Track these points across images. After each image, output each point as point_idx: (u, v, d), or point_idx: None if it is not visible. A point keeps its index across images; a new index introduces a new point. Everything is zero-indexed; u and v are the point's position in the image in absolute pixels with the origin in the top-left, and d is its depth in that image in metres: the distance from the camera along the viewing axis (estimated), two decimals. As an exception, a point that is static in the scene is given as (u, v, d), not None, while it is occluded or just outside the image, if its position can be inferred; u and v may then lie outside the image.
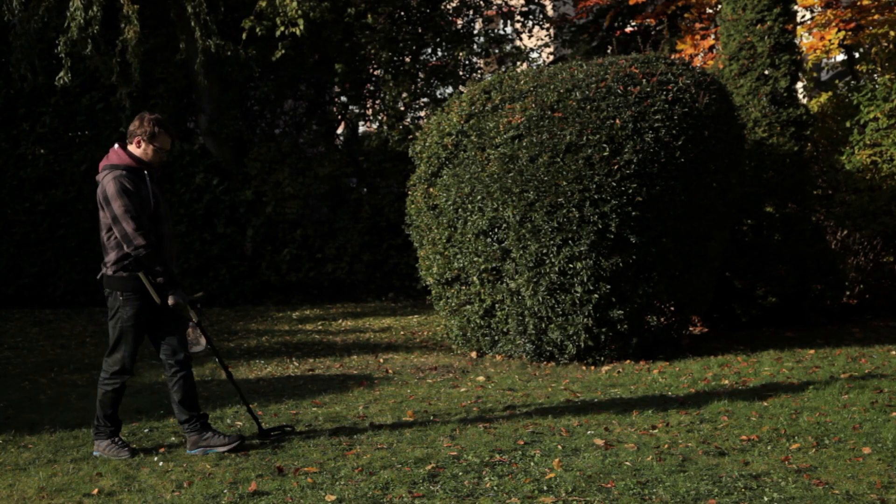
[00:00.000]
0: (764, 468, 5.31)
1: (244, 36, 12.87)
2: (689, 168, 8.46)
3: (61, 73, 12.26)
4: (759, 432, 6.02)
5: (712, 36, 15.17)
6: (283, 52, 13.06)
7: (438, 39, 15.15)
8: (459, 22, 15.97)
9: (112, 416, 5.87)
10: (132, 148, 5.74)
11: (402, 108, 14.93)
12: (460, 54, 14.89)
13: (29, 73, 13.08)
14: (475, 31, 16.07)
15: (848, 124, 11.29)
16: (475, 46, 15.54)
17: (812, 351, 8.73)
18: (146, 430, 6.51)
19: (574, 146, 8.24)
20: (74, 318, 12.68)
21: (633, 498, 4.88)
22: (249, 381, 8.28)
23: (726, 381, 7.61)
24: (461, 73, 15.38)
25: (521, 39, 17.31)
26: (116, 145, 5.76)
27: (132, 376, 5.92)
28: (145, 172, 5.72)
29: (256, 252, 13.89)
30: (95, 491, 5.21)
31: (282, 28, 12.72)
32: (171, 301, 5.68)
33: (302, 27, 12.52)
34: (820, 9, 14.56)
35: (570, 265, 8.25)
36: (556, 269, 8.25)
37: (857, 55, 15.45)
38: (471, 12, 16.20)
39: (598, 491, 5.00)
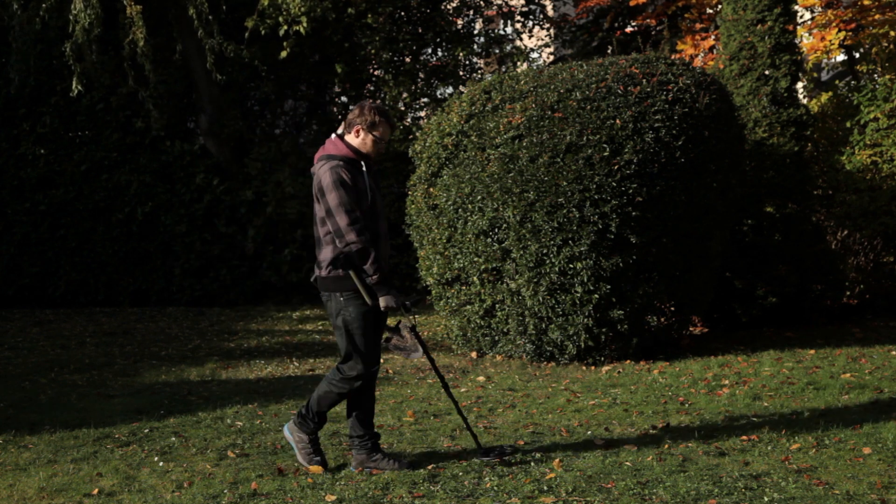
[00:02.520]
0: (764, 468, 5.31)
1: (246, 35, 12.87)
2: (689, 168, 8.46)
3: (74, 83, 12.22)
4: (759, 432, 6.02)
5: (713, 36, 15.17)
6: (288, 51, 13.04)
7: (439, 39, 15.15)
8: (460, 22, 15.97)
9: (324, 414, 5.52)
10: (350, 138, 5.37)
11: (403, 108, 14.93)
12: (460, 54, 14.89)
13: (16, 77, 13.06)
14: (475, 31, 16.08)
15: (848, 124, 11.29)
16: (475, 46, 15.54)
17: (812, 351, 8.73)
18: (146, 431, 6.51)
19: (574, 146, 8.24)
20: (75, 318, 12.69)
21: (633, 498, 4.88)
22: (250, 382, 8.29)
23: (726, 381, 7.61)
24: (461, 73, 15.38)
25: (521, 39, 17.31)
26: (333, 135, 5.40)
27: (365, 381, 5.39)
28: (363, 164, 5.35)
29: (257, 252, 13.89)
30: (95, 491, 5.21)
31: (285, 27, 12.71)
32: (382, 303, 5.21)
33: (305, 25, 12.51)
34: (820, 9, 14.56)
35: (571, 265, 8.25)
36: (557, 269, 8.25)
37: (857, 55, 15.44)
38: (471, 12, 16.20)
39: (599, 491, 5.00)
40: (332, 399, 5.45)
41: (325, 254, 5.28)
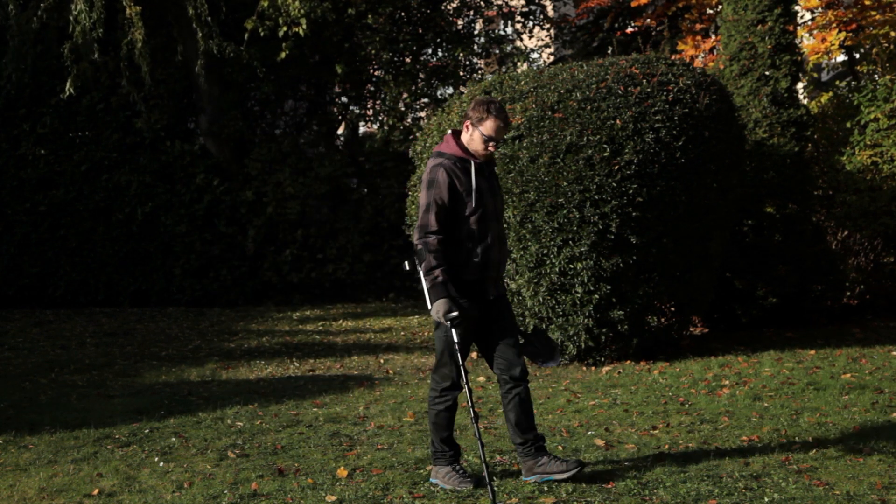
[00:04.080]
0: (764, 468, 5.31)
1: (246, 36, 12.88)
2: (689, 168, 8.46)
3: (68, 84, 12.22)
4: (760, 432, 6.02)
5: (713, 36, 15.16)
6: (287, 52, 13.05)
7: (439, 40, 15.14)
8: (460, 22, 15.96)
9: (448, 439, 5.17)
10: (462, 134, 5.09)
11: (403, 109, 14.92)
12: (460, 55, 14.88)
13: (14, 76, 13.06)
14: (475, 32, 16.06)
15: (848, 125, 11.28)
16: (475, 47, 15.53)
17: (812, 351, 8.73)
18: (146, 431, 6.51)
19: (574, 147, 8.24)
20: (75, 318, 12.69)
21: (634, 498, 4.88)
22: (250, 382, 8.29)
23: (727, 382, 7.60)
24: (461, 73, 15.37)
25: (521, 40, 17.29)
26: (450, 131, 5.15)
27: (461, 391, 5.10)
28: (471, 163, 5.04)
29: (257, 252, 13.90)
30: (96, 491, 5.21)
31: (284, 28, 12.72)
32: (431, 311, 4.93)
33: (305, 27, 12.52)
34: (821, 10, 14.55)
35: (571, 266, 8.25)
36: (557, 269, 8.25)
37: (857, 56, 15.43)
38: (471, 13, 16.19)
39: (599, 491, 5.00)
40: (444, 419, 5.13)
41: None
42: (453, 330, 4.90)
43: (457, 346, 4.94)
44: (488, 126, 4.99)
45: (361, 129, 16.95)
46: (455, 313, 4.87)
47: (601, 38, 17.95)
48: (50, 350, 10.14)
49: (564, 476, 5.06)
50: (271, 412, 7.03)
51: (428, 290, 4.91)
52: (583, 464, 5.16)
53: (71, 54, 12.28)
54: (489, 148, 5.02)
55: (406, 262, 5.11)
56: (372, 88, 15.33)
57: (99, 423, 6.71)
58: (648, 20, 17.18)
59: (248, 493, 5.09)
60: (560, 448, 5.82)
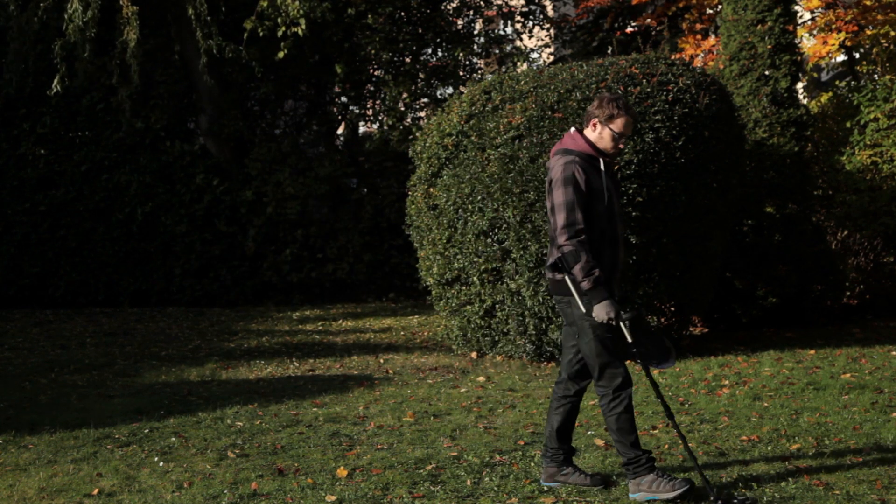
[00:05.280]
0: (764, 468, 5.31)
1: (245, 36, 12.88)
2: (689, 168, 8.46)
3: (55, 83, 12.20)
4: (760, 432, 6.02)
5: (713, 36, 15.17)
6: (286, 52, 13.07)
7: (439, 40, 15.15)
8: (460, 22, 15.96)
9: (637, 442, 4.91)
10: (588, 132, 4.98)
11: (403, 109, 14.93)
12: (460, 54, 14.89)
13: (14, 78, 13.06)
14: (475, 32, 16.07)
15: (848, 125, 11.29)
16: (475, 47, 15.54)
17: (812, 351, 8.73)
18: (146, 431, 6.51)
19: (574, 146, 8.23)
20: (75, 318, 12.69)
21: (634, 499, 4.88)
22: (250, 382, 8.29)
23: (727, 382, 7.60)
24: (461, 73, 15.37)
25: (521, 40, 17.29)
26: (573, 129, 5.01)
27: (633, 385, 4.93)
28: (600, 161, 4.95)
29: (257, 252, 13.90)
30: (95, 491, 5.21)
31: (283, 28, 12.72)
32: (594, 314, 4.77)
33: (304, 27, 12.53)
34: (821, 10, 14.55)
35: (571, 265, 8.23)
36: (557, 269, 8.24)
37: (857, 55, 15.44)
38: (471, 13, 16.19)
39: (599, 491, 5.00)
40: (625, 422, 4.88)
41: (552, 255, 4.92)
42: (627, 330, 4.79)
43: (614, 345, 4.81)
44: (619, 123, 4.90)
45: (361, 129, 16.95)
46: (630, 314, 4.79)
47: (601, 38, 17.97)
48: (50, 350, 10.14)
49: (589, 486, 5.01)
50: (271, 412, 7.03)
51: (588, 291, 4.73)
52: (606, 482, 5.05)
53: (62, 52, 12.27)
54: (619, 145, 4.95)
55: (550, 268, 4.86)
56: (372, 88, 15.33)
57: (99, 423, 6.71)
58: (648, 20, 17.18)
59: (247, 493, 5.09)
60: (560, 448, 5.82)
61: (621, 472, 5.12)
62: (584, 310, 4.79)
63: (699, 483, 4.85)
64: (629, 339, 4.79)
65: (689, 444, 5.84)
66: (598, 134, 4.94)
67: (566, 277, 4.80)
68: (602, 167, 4.92)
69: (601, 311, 4.72)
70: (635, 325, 4.88)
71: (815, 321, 10.20)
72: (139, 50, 12.30)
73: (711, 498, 4.70)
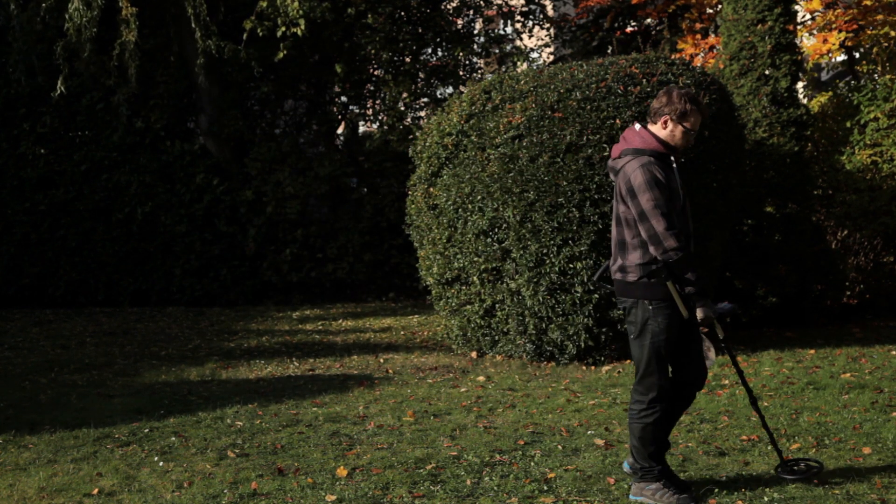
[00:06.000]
0: (764, 468, 5.31)
1: (245, 36, 12.88)
2: (689, 168, 8.45)
3: (59, 83, 12.21)
4: (760, 432, 6.02)
5: (713, 36, 15.16)
6: (285, 52, 13.07)
7: (438, 39, 15.15)
8: (459, 22, 15.97)
9: (656, 454, 4.85)
10: (656, 129, 4.82)
11: (403, 108, 14.93)
12: (460, 54, 14.89)
13: (23, 77, 13.06)
14: (475, 31, 16.07)
15: (848, 124, 11.28)
16: (475, 46, 15.54)
17: (812, 351, 8.73)
18: (146, 430, 6.51)
19: (574, 146, 8.24)
20: (75, 318, 12.69)
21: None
22: (250, 382, 8.29)
23: (726, 381, 7.60)
24: (461, 73, 15.38)
25: (521, 39, 17.30)
26: (637, 125, 4.86)
27: (669, 402, 4.84)
28: (672, 158, 4.82)
29: (257, 252, 13.90)
30: (95, 491, 5.21)
31: (283, 28, 12.72)
32: (700, 314, 4.68)
33: (303, 27, 12.52)
34: (821, 10, 14.55)
35: (571, 265, 8.25)
36: (557, 269, 8.25)
37: (857, 55, 15.43)
38: (471, 12, 16.20)
39: (599, 491, 5.00)
40: (652, 432, 4.81)
41: (634, 258, 4.75)
42: (720, 327, 4.70)
43: (667, 349, 4.75)
44: (692, 120, 4.78)
45: (361, 129, 16.95)
46: (726, 308, 4.77)
47: (601, 38, 17.96)
48: (50, 350, 10.14)
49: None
50: (271, 412, 7.03)
51: (695, 293, 4.66)
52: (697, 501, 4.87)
53: (64, 52, 12.27)
54: (690, 141, 4.84)
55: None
56: (371, 88, 15.33)
57: (99, 422, 6.71)
58: (648, 20, 17.18)
59: (247, 493, 5.09)
60: (560, 448, 5.82)
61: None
62: (685, 313, 4.69)
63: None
64: (720, 335, 4.75)
65: (685, 443, 5.83)
66: (670, 131, 4.79)
67: (669, 283, 4.66)
68: (674, 165, 4.81)
69: (707, 311, 4.66)
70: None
71: (815, 321, 10.20)
72: (138, 51, 12.30)
73: (777, 469, 4.81)
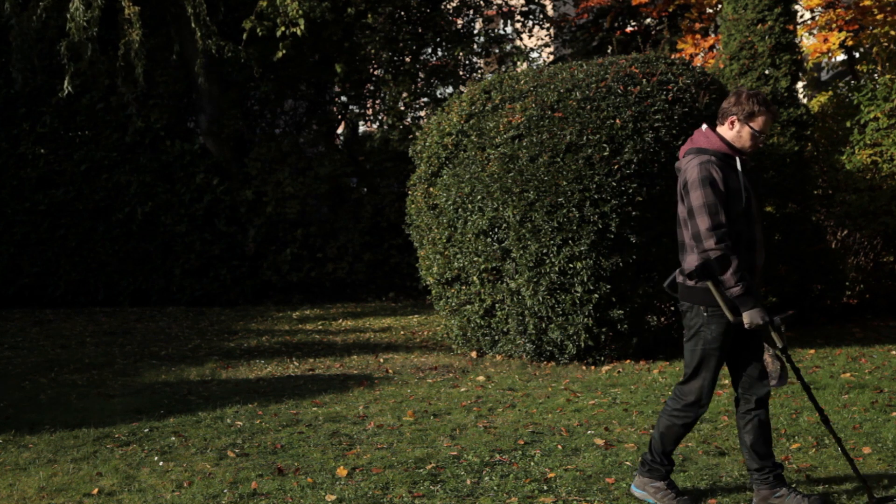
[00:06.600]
0: (764, 468, 5.30)
1: (244, 36, 12.88)
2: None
3: (65, 83, 12.22)
4: (760, 432, 6.01)
5: (713, 35, 15.16)
6: (284, 52, 13.07)
7: (438, 39, 15.15)
8: (459, 22, 15.97)
9: (670, 454, 4.85)
10: (723, 130, 4.72)
11: (403, 108, 14.93)
12: (460, 54, 14.89)
13: (20, 77, 13.06)
14: (475, 31, 16.07)
15: (848, 124, 11.29)
16: (475, 46, 15.54)
17: (812, 351, 8.73)
18: (146, 430, 6.51)
19: (574, 146, 8.24)
20: (75, 317, 12.69)
21: (633, 498, 4.88)
22: (250, 381, 8.29)
23: (726, 381, 7.60)
24: (461, 72, 15.38)
25: (521, 39, 17.30)
26: (704, 126, 4.78)
27: (705, 411, 4.78)
28: (737, 160, 4.70)
29: (257, 252, 13.90)
30: (95, 491, 5.21)
31: (282, 28, 12.72)
32: (745, 320, 4.51)
33: (303, 27, 12.52)
34: (821, 9, 14.55)
35: (571, 265, 8.25)
36: (557, 268, 8.25)
37: (857, 55, 15.43)
38: (471, 12, 16.20)
39: (599, 491, 5.00)
40: (676, 433, 4.78)
41: (691, 260, 4.62)
42: (778, 334, 4.56)
43: (717, 358, 4.64)
44: (760, 121, 4.65)
45: (361, 129, 16.95)
46: (780, 316, 4.57)
47: (601, 38, 17.98)
48: (50, 349, 10.14)
49: None
50: (271, 411, 7.03)
51: (738, 296, 4.50)
52: (826, 499, 4.77)
53: (67, 52, 12.28)
54: (759, 144, 4.70)
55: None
56: (371, 88, 15.34)
57: (98, 422, 6.71)
58: (648, 19, 17.18)
59: (247, 493, 5.09)
60: (560, 447, 5.82)
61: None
62: (730, 317, 4.56)
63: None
64: (779, 344, 4.58)
65: (685, 443, 5.83)
66: (737, 132, 4.69)
67: (710, 284, 4.53)
68: (739, 166, 4.68)
69: (754, 317, 4.49)
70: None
71: (815, 321, 10.19)
72: (143, 50, 12.30)
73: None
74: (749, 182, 4.70)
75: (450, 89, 15.75)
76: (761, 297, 4.72)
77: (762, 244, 4.74)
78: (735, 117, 4.68)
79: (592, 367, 8.44)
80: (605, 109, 8.33)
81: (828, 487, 4.94)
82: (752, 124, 4.65)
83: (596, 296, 8.25)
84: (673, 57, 9.68)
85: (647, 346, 8.68)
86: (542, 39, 18.13)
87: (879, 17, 13.62)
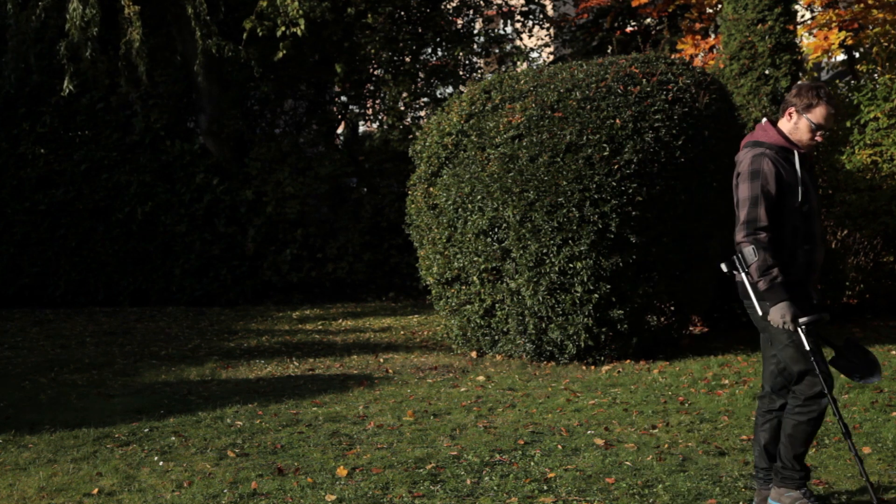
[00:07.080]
0: (764, 468, 5.30)
1: (245, 36, 12.88)
2: (689, 168, 8.46)
3: (66, 83, 12.23)
4: (760, 432, 6.02)
5: (713, 35, 15.16)
6: (284, 52, 13.07)
7: (438, 39, 15.15)
8: (459, 22, 15.97)
9: (802, 456, 4.56)
10: (782, 122, 4.63)
11: (403, 108, 14.93)
12: (460, 54, 14.89)
13: (13, 76, 13.06)
14: (475, 31, 16.08)
15: (848, 124, 11.28)
16: (475, 46, 15.55)
17: (812, 351, 8.72)
18: (146, 430, 6.51)
19: (574, 146, 8.24)
20: (74, 317, 12.69)
21: (633, 498, 4.88)
22: (250, 381, 8.29)
23: (726, 381, 7.60)
24: (461, 72, 15.38)
25: (521, 39, 17.31)
26: (764, 119, 4.70)
27: (828, 399, 4.51)
28: (794, 154, 4.58)
29: (257, 252, 13.90)
30: (95, 491, 5.21)
31: (282, 28, 12.72)
32: (770, 315, 4.43)
33: (303, 27, 12.53)
34: (821, 8, 14.54)
35: (571, 265, 8.25)
36: (557, 268, 8.25)
37: (857, 55, 15.43)
38: (471, 12, 16.20)
39: (599, 491, 5.00)
40: (805, 431, 4.52)
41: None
42: (804, 336, 4.43)
43: (811, 349, 4.47)
44: (818, 113, 4.52)
45: (361, 129, 16.96)
46: (807, 318, 4.44)
47: (601, 38, 17.98)
48: (50, 349, 10.14)
49: None
50: (271, 411, 7.03)
51: (764, 291, 4.41)
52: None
53: (67, 52, 12.28)
54: (817, 137, 4.57)
55: (723, 264, 4.57)
56: (371, 88, 15.34)
57: (98, 422, 6.71)
58: (648, 19, 17.17)
59: (247, 493, 5.09)
60: (559, 447, 5.82)
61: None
62: (758, 312, 4.49)
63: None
64: (806, 347, 4.43)
65: (685, 443, 5.83)
66: (794, 124, 4.59)
67: (744, 278, 4.50)
68: (797, 160, 4.56)
69: (776, 315, 4.40)
70: (814, 333, 4.55)
71: (815, 321, 10.18)
72: (145, 49, 12.30)
73: None
74: (808, 176, 4.58)
75: (450, 89, 15.75)
76: (818, 293, 4.63)
77: (822, 240, 4.62)
78: (794, 108, 4.58)
79: (592, 367, 8.44)
80: (605, 109, 8.33)
81: (829, 488, 4.94)
82: (809, 116, 4.54)
83: (596, 296, 8.25)
84: (673, 57, 9.67)
85: (647, 346, 8.68)
86: (542, 39, 18.13)
87: (879, 16, 13.62)
